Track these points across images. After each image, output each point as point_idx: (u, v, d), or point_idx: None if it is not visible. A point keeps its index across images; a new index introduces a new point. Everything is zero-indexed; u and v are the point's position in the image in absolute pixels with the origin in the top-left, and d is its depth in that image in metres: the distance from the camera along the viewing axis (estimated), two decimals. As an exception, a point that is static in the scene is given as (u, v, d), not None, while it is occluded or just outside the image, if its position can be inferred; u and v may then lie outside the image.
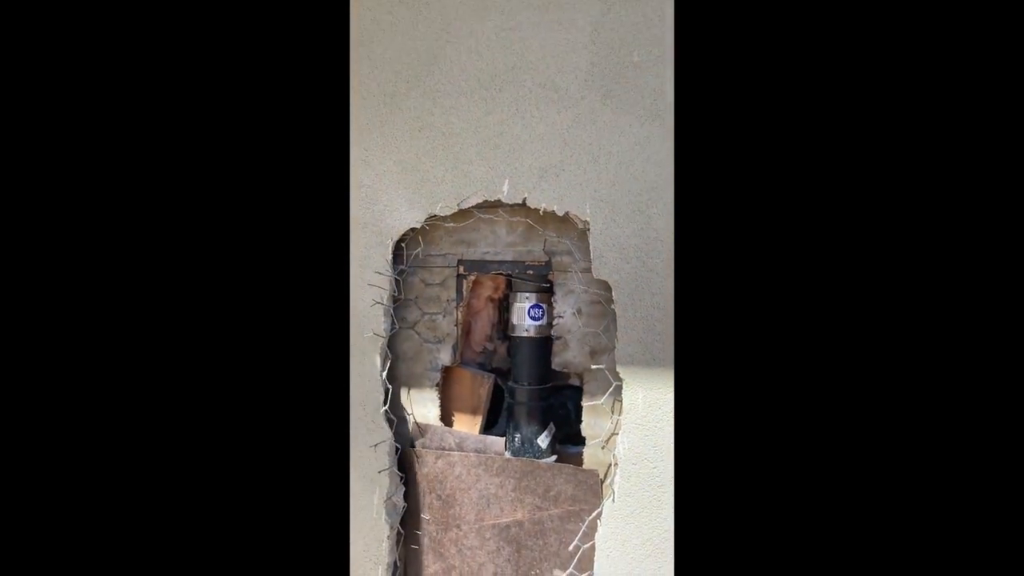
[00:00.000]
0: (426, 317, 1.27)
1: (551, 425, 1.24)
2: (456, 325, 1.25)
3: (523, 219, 1.19)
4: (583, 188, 1.10)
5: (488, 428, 1.30)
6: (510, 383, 1.26)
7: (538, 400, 1.22)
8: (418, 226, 1.21)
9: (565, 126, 1.11)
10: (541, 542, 1.15)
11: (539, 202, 1.12)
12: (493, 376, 1.29)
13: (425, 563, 1.24)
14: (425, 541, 1.24)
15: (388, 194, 1.22)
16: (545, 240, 1.18)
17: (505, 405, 1.30)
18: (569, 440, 1.27)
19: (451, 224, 1.23)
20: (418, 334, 1.28)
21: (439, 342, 1.26)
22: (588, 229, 1.10)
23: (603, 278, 1.09)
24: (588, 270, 1.13)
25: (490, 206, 1.19)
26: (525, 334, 1.22)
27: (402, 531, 1.25)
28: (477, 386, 1.28)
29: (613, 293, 1.08)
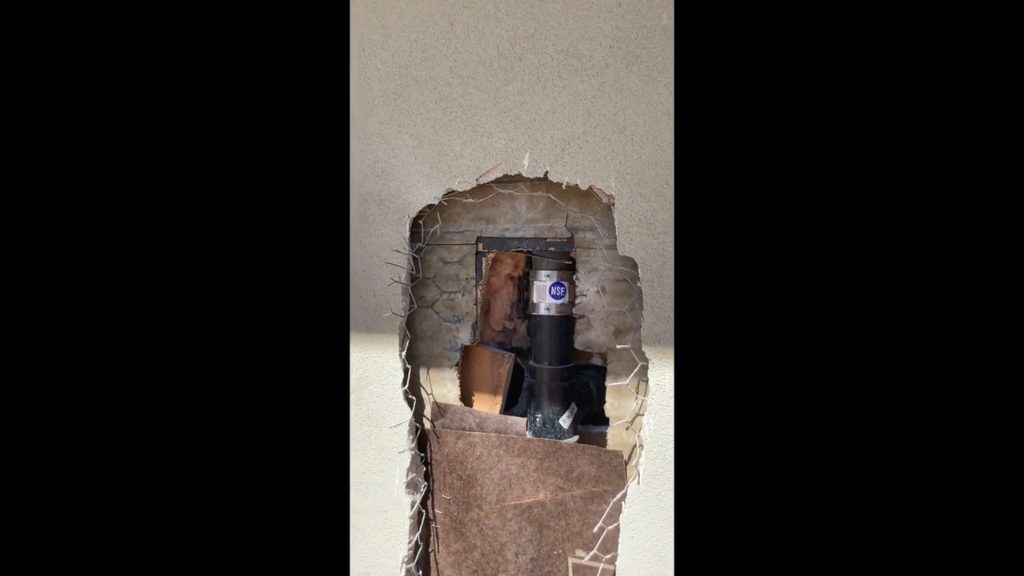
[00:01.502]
0: (445, 296, 1.24)
1: (573, 405, 1.21)
2: (475, 304, 1.22)
3: (544, 194, 1.14)
4: (607, 160, 1.05)
5: (508, 408, 1.28)
6: (531, 362, 1.23)
7: (559, 380, 1.19)
8: (436, 202, 1.17)
9: (589, 95, 1.06)
10: (564, 523, 1.14)
11: (561, 176, 1.08)
12: (513, 355, 1.26)
13: (446, 542, 1.24)
14: (446, 521, 1.24)
15: (404, 169, 1.19)
16: (567, 215, 1.14)
17: (526, 385, 1.28)
18: (591, 420, 1.25)
19: (469, 200, 1.19)
20: (437, 313, 1.25)
21: (458, 321, 1.23)
22: (613, 204, 1.06)
23: (628, 255, 1.04)
24: (613, 246, 1.09)
25: (510, 180, 1.15)
26: (546, 313, 1.19)
27: (423, 510, 1.25)
28: (497, 366, 1.26)
29: (639, 270, 1.04)
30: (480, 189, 1.16)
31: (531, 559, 1.17)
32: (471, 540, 1.22)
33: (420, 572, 1.26)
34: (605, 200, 1.08)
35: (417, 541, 1.24)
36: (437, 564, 1.25)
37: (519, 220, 1.18)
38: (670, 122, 1.01)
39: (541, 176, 1.10)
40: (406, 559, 1.22)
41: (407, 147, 1.18)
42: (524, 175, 1.11)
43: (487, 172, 1.13)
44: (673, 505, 1.02)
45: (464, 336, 1.23)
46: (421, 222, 1.23)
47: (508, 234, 1.19)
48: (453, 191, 1.16)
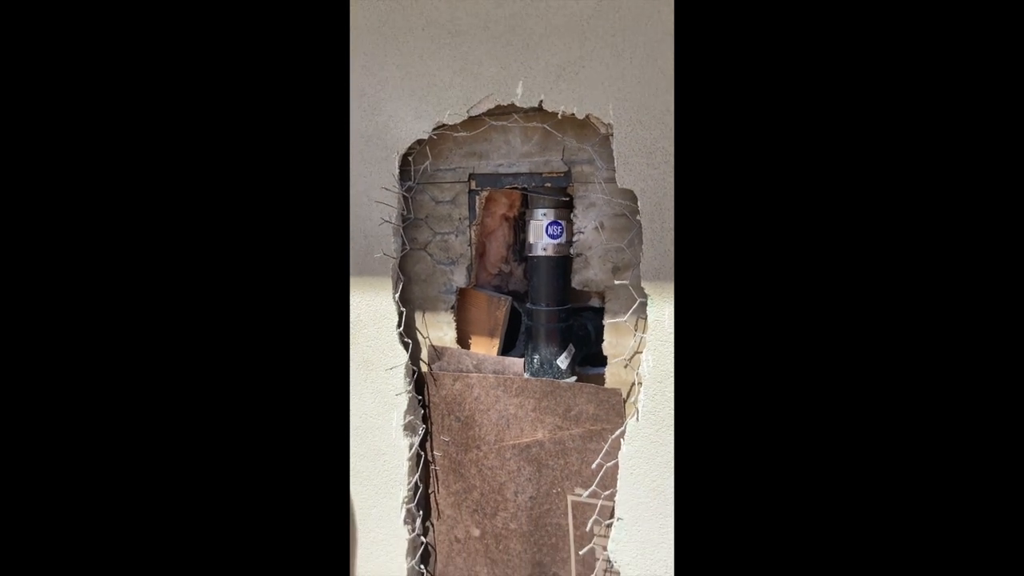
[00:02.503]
0: (438, 237, 1.20)
1: (570, 346, 1.20)
2: (470, 245, 1.19)
3: (539, 125, 1.09)
4: (606, 87, 0.99)
5: (505, 352, 1.26)
6: (528, 305, 1.21)
7: (557, 321, 1.17)
8: (425, 137, 1.12)
9: (585, 16, 0.99)
10: (562, 461, 1.14)
11: (557, 104, 1.02)
12: (510, 299, 1.23)
13: (446, 483, 1.25)
14: (445, 462, 1.24)
15: (392, 103, 1.13)
16: (564, 148, 1.09)
17: (523, 327, 1.25)
18: (589, 361, 1.23)
19: (461, 134, 1.13)
20: (430, 255, 1.21)
21: (452, 263, 1.20)
22: (611, 133, 1.01)
23: (628, 187, 1.00)
24: (611, 179, 1.04)
25: (503, 112, 1.09)
26: (543, 253, 1.16)
27: (421, 452, 1.25)
28: (494, 309, 1.23)
29: (639, 203, 1.00)
30: (472, 122, 1.10)
31: (530, 497, 1.17)
32: (470, 480, 1.22)
33: (420, 512, 1.27)
34: (603, 130, 1.03)
35: (416, 482, 1.24)
36: (437, 504, 1.26)
37: (513, 155, 1.12)
38: (671, 43, 0.95)
39: (535, 106, 1.04)
40: (406, 499, 1.23)
41: (394, 79, 1.12)
42: (517, 105, 1.05)
43: (479, 103, 1.07)
44: (673, 440, 1.02)
45: (459, 278, 1.20)
46: (411, 159, 1.18)
47: (502, 170, 1.14)
48: (443, 124, 1.10)
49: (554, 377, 1.16)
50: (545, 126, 1.08)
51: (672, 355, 1.00)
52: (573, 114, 1.02)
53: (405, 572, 1.25)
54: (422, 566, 1.29)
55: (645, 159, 0.98)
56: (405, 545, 1.24)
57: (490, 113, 1.09)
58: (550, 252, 1.15)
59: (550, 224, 1.15)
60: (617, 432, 1.07)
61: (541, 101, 1.03)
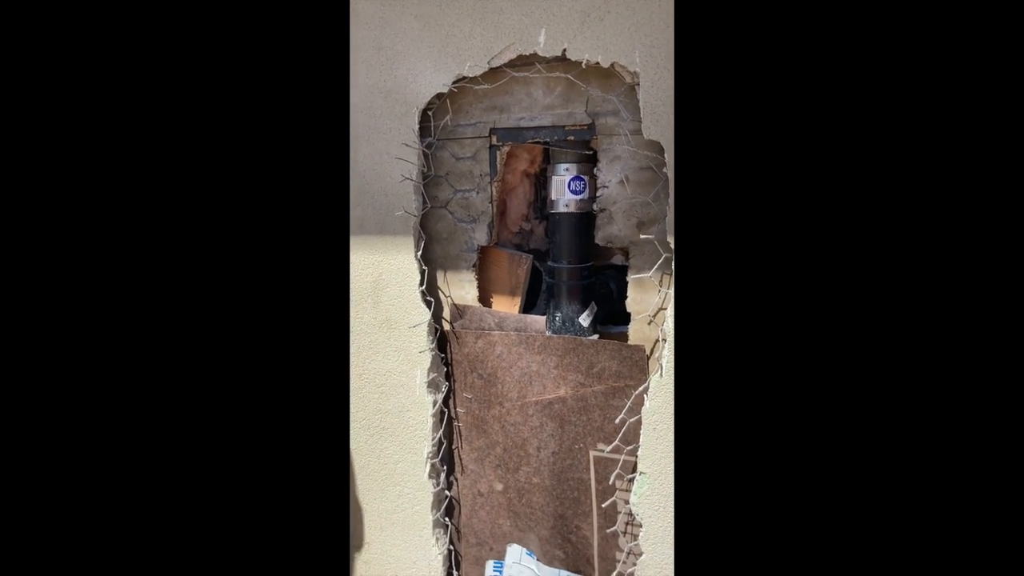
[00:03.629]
0: (458, 195, 1.19)
1: (592, 304, 1.19)
2: (491, 202, 1.17)
3: (562, 75, 1.06)
4: (631, 33, 0.96)
5: (526, 311, 1.26)
6: (549, 263, 1.20)
7: (579, 279, 1.16)
8: (445, 91, 1.09)
9: (611, -43, 0.94)
10: (584, 418, 1.15)
11: (581, 53, 0.99)
12: (531, 256, 1.22)
13: (469, 439, 1.27)
14: (468, 419, 1.26)
15: (411, 56, 1.10)
16: (588, 99, 1.06)
17: (544, 286, 1.25)
18: (611, 320, 1.23)
19: (482, 86, 1.10)
20: (451, 213, 1.20)
21: (473, 221, 1.19)
22: (637, 83, 0.97)
23: (654, 138, 0.97)
24: (637, 131, 1.01)
25: (525, 63, 1.06)
26: (565, 209, 1.14)
27: (445, 409, 1.26)
28: (515, 267, 1.22)
29: (665, 155, 0.97)
30: (493, 74, 1.07)
31: (552, 453, 1.19)
32: (493, 436, 1.24)
33: (444, 467, 1.30)
34: (629, 79, 1.00)
35: (440, 438, 1.26)
36: (461, 459, 1.29)
37: (535, 107, 1.10)
38: (703, -17, 0.90)
39: (558, 55, 1.01)
40: (430, 455, 1.25)
41: (412, 30, 1.09)
42: (540, 54, 1.02)
43: (500, 53, 1.04)
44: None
45: (480, 236, 1.19)
46: (431, 114, 1.15)
47: (524, 123, 1.11)
48: (464, 77, 1.08)
49: (576, 335, 1.15)
50: (568, 76, 1.05)
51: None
52: (598, 63, 0.99)
53: (431, 524, 1.28)
54: (447, 518, 1.33)
55: (672, 108, 0.95)
56: (430, 498, 1.27)
57: (512, 64, 1.06)
58: (572, 208, 1.14)
59: (572, 179, 1.12)
60: (640, 388, 1.07)
61: (564, 50, 1.00)
